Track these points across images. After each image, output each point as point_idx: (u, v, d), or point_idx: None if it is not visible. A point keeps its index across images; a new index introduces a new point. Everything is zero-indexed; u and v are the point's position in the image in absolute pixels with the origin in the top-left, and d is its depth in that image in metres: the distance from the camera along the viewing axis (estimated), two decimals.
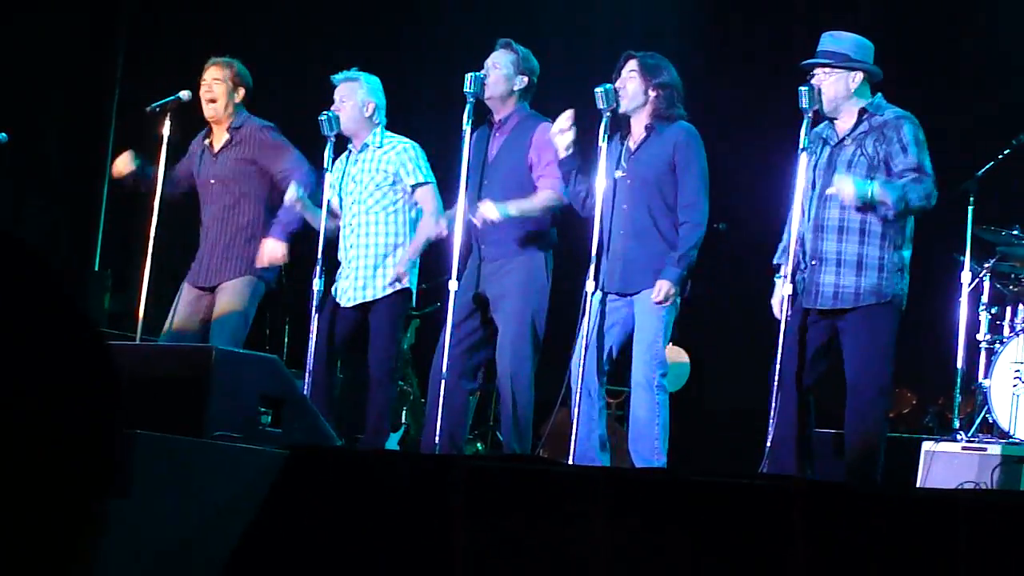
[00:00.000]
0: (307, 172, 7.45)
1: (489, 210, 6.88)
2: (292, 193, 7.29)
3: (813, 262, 6.43)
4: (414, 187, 7.42)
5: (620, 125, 6.87)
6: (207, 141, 7.71)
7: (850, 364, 6.37)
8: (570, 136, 6.78)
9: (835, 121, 6.51)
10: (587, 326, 6.72)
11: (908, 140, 6.35)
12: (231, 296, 7.44)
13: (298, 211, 7.37)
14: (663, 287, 6.65)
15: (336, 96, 7.50)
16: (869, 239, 6.36)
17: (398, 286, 7.35)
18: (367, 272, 7.39)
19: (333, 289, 7.47)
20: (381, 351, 7.34)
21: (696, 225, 6.75)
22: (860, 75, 6.49)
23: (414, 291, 7.50)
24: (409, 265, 7.37)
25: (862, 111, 6.46)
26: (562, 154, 6.82)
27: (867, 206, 6.30)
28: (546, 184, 7.02)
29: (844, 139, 6.46)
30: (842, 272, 6.37)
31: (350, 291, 7.42)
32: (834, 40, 6.56)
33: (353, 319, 7.43)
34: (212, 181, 7.60)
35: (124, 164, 7.69)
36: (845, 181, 6.25)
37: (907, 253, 6.42)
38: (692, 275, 6.78)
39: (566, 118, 6.78)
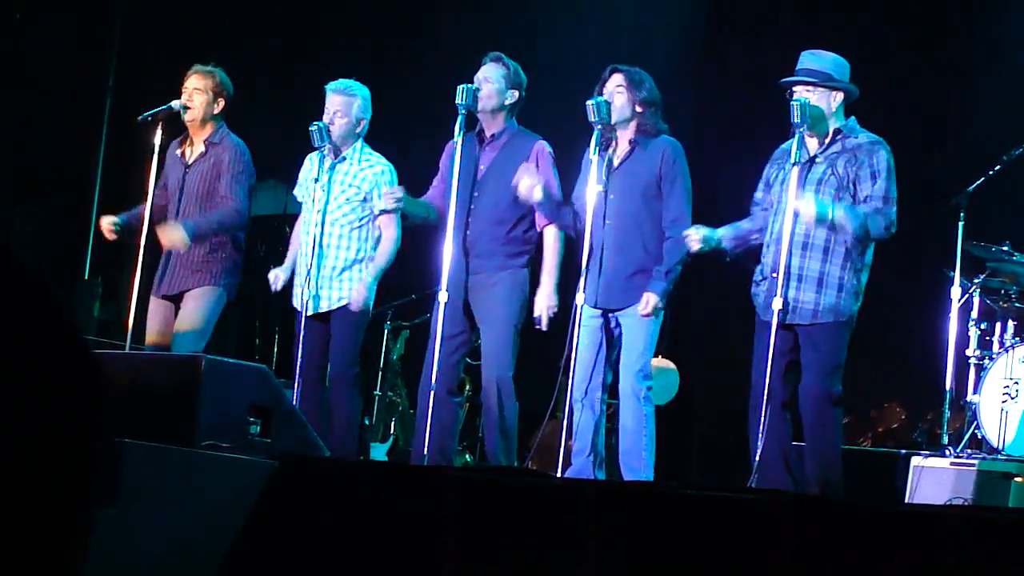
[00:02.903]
0: (239, 209, 7.48)
1: (547, 303, 6.96)
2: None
3: (774, 274, 6.46)
4: (383, 211, 7.41)
5: (603, 138, 6.88)
6: (179, 151, 7.68)
7: (810, 378, 6.41)
8: (539, 189, 6.81)
9: (806, 138, 6.54)
10: (581, 339, 6.73)
11: (879, 168, 6.42)
12: (195, 304, 7.45)
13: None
14: (650, 300, 6.70)
15: (329, 106, 7.46)
16: (832, 258, 6.41)
17: (353, 301, 7.35)
18: (324, 283, 7.37)
19: (293, 298, 7.43)
20: (343, 353, 7.32)
21: (681, 240, 6.78)
22: (840, 95, 6.54)
23: (370, 306, 7.46)
24: (371, 289, 7.36)
25: (836, 131, 6.50)
26: (539, 197, 6.85)
27: (830, 226, 6.36)
28: (545, 222, 7.05)
29: (815, 157, 6.50)
30: (802, 287, 6.42)
31: (308, 300, 7.37)
32: (815, 58, 6.60)
33: (316, 328, 7.38)
34: (183, 192, 7.58)
35: (108, 230, 7.62)
36: (807, 201, 6.31)
37: (864, 278, 6.50)
38: (676, 288, 6.83)
39: (527, 178, 6.81)
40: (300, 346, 7.29)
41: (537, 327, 7.01)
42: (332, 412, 7.30)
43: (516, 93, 7.17)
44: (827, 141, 6.49)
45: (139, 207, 7.66)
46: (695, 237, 6.53)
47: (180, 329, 7.41)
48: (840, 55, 6.65)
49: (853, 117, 6.58)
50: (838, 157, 6.45)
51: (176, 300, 7.51)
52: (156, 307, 7.56)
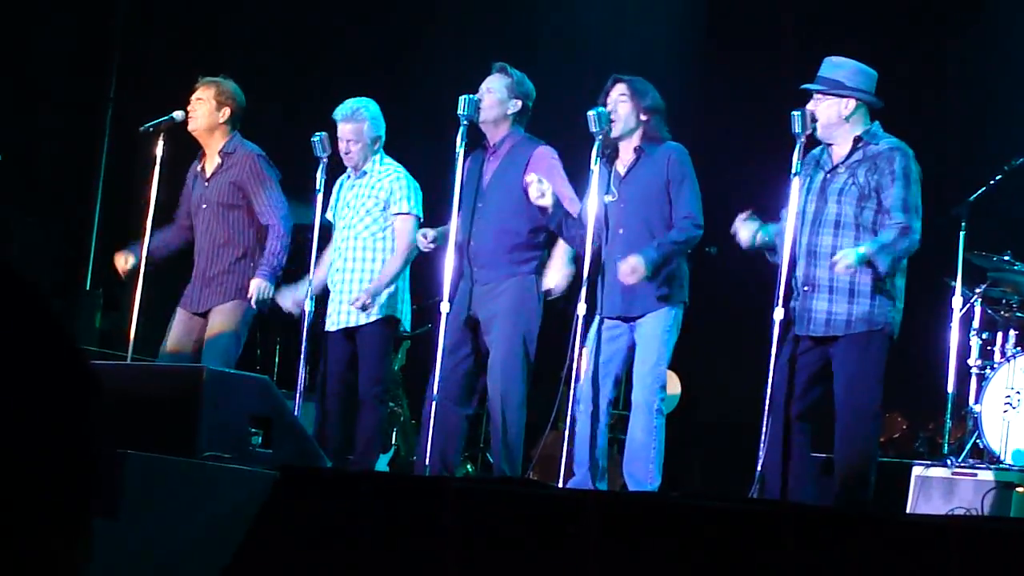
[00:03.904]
0: (283, 218, 7.48)
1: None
2: (257, 290, 7.35)
3: (805, 288, 6.41)
4: (396, 215, 7.42)
5: (606, 149, 6.87)
6: (199, 167, 7.69)
7: (840, 390, 6.35)
8: (548, 196, 6.79)
9: (832, 147, 6.51)
10: (593, 352, 6.72)
11: (899, 173, 6.33)
12: (223, 319, 7.45)
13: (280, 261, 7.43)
14: (632, 261, 6.57)
15: (341, 135, 7.46)
16: (862, 266, 6.34)
17: (383, 314, 7.36)
18: (352, 297, 7.38)
19: (322, 316, 7.45)
20: (369, 373, 7.35)
21: (692, 227, 6.73)
22: (853, 103, 6.47)
23: (406, 318, 7.50)
24: (383, 293, 7.35)
25: (857, 139, 6.45)
26: (548, 209, 6.83)
27: (860, 229, 6.31)
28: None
29: (838, 166, 6.45)
30: (834, 299, 6.35)
31: (334, 315, 7.42)
32: (833, 66, 6.54)
33: (341, 344, 7.42)
34: (204, 206, 7.58)
35: (123, 263, 7.60)
36: (842, 257, 6.21)
37: (900, 282, 6.40)
38: (667, 263, 6.69)
39: (536, 185, 6.79)
40: (325, 362, 7.35)
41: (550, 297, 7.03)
42: (357, 425, 7.37)
43: (520, 103, 7.17)
44: (848, 150, 6.46)
45: (159, 237, 7.64)
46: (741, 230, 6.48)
47: (212, 346, 7.40)
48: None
49: (877, 123, 6.51)
50: (859, 166, 6.38)
51: (204, 315, 7.52)
52: (182, 318, 7.56)
